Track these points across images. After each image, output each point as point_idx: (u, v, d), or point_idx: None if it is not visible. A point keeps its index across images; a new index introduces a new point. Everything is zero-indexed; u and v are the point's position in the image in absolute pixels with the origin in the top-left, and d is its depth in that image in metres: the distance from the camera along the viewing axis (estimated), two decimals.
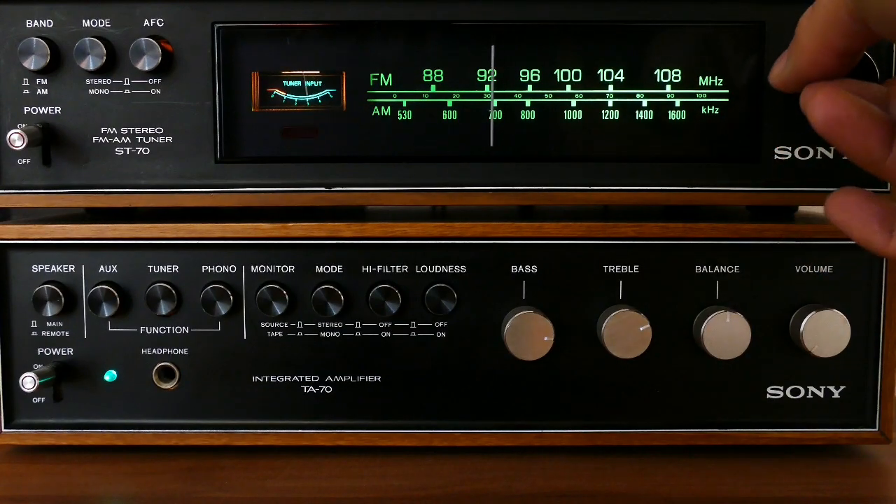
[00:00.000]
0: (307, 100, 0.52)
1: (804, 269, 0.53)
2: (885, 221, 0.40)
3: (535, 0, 0.51)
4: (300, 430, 0.54)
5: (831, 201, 0.42)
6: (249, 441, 0.53)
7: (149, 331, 0.53)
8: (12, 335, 0.53)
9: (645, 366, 0.53)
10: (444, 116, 0.52)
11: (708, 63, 0.51)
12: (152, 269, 0.53)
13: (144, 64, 0.50)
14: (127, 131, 0.52)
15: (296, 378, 0.54)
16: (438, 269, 0.53)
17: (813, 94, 0.40)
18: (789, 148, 0.52)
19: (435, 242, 0.53)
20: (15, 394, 0.53)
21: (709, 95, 0.52)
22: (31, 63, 0.50)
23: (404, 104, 0.52)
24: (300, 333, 0.53)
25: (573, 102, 0.52)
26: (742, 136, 0.52)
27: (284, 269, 0.53)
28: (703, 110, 0.52)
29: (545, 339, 0.51)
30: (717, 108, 0.52)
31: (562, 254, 0.53)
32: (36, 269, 0.53)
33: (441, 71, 0.51)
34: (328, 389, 0.54)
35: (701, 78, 0.52)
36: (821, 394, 0.54)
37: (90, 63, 0.50)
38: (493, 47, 0.51)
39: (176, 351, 0.53)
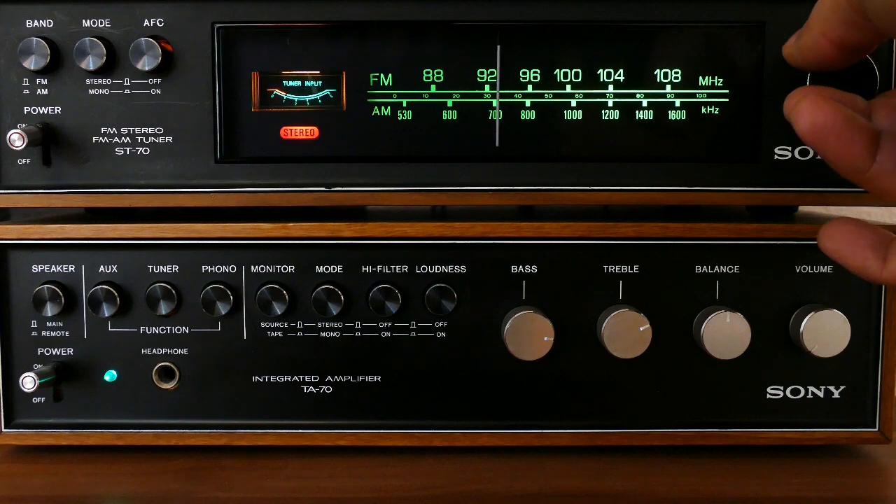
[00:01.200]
0: (307, 100, 0.52)
1: (804, 269, 0.53)
2: (878, 249, 0.40)
3: (534, 0, 0.51)
4: (300, 430, 0.54)
5: (823, 233, 0.42)
6: (249, 441, 0.53)
7: (149, 331, 0.53)
8: (12, 335, 0.53)
9: (645, 366, 0.53)
10: (444, 116, 0.52)
11: (708, 63, 0.51)
12: (152, 269, 0.53)
13: (144, 64, 0.50)
14: (127, 131, 0.52)
15: (296, 378, 0.53)
16: (438, 269, 0.53)
17: (798, 102, 0.40)
18: (789, 148, 0.52)
19: (435, 242, 0.53)
20: (15, 394, 0.53)
21: (709, 95, 0.52)
22: (31, 63, 0.50)
23: (404, 104, 0.52)
24: (300, 333, 0.53)
25: (573, 102, 0.52)
26: (742, 136, 0.52)
27: (284, 269, 0.53)
28: (703, 110, 0.52)
29: (545, 339, 0.51)
30: (717, 108, 0.52)
31: (562, 254, 0.53)
32: (36, 269, 0.53)
33: (441, 71, 0.51)
34: (328, 389, 0.54)
35: (701, 78, 0.52)
36: (821, 394, 0.54)
37: (90, 63, 0.50)
38: (498, 47, 0.51)
39: (176, 351, 0.53)
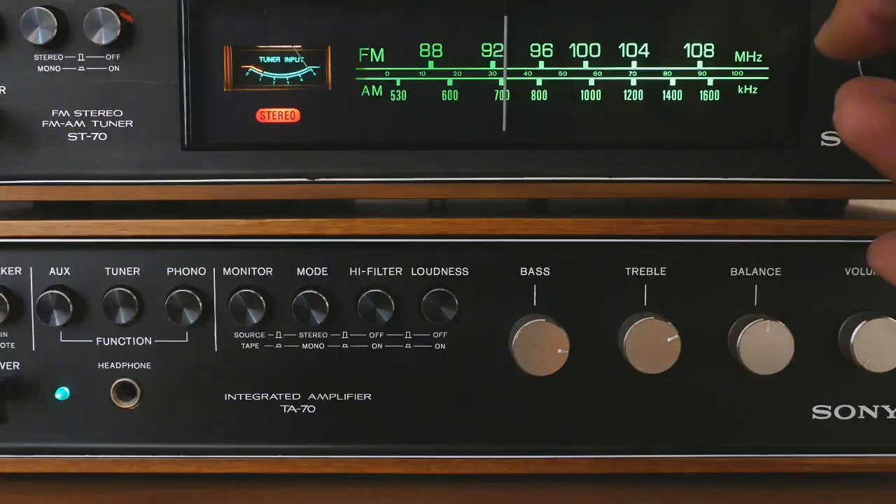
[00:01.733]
0: (287, 78, 0.50)
1: (855, 271, 0.51)
2: None
3: None
4: (279, 456, 0.52)
5: (873, 249, 0.41)
6: (222, 468, 0.52)
7: (106, 342, 0.52)
8: None
9: (673, 382, 0.51)
10: (444, 97, 0.50)
11: (745, 36, 0.50)
12: (110, 271, 0.51)
13: (101, 37, 0.48)
14: (81, 114, 0.50)
15: (274, 396, 0.52)
16: (437, 271, 0.51)
17: (841, 101, 0.38)
18: (837, 133, 0.49)
19: (433, 241, 0.51)
20: None
21: (746, 73, 0.50)
22: None
23: (398, 83, 0.50)
24: (279, 345, 0.52)
25: (591, 81, 0.50)
26: (784, 119, 0.50)
27: (261, 271, 0.51)
28: (740, 90, 0.50)
29: (559, 351, 0.50)
30: (756, 88, 0.50)
31: (578, 254, 0.51)
32: None
33: (440, 45, 0.50)
34: (311, 409, 0.52)
35: (737, 54, 0.50)
36: (874, 414, 0.52)
37: (39, 36, 0.48)
38: (505, 18, 0.50)
39: (137, 365, 0.52)
